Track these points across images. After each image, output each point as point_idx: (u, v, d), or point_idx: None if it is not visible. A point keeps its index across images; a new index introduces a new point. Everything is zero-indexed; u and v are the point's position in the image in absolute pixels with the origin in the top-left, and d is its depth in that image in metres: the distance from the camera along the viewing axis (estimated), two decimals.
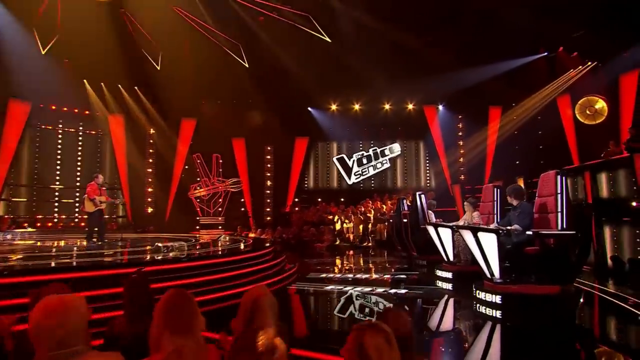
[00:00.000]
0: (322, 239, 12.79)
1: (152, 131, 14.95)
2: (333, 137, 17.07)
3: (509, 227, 5.41)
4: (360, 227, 13.21)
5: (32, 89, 11.37)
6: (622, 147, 9.30)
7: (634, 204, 7.53)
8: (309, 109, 16.52)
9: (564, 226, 5.07)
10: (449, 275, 6.82)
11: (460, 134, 16.79)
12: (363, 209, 13.75)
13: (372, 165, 17.22)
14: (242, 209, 16.66)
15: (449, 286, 6.66)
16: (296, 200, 16.90)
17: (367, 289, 6.47)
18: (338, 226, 13.83)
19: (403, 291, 6.39)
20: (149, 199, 14.61)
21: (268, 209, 16.87)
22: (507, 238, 5.40)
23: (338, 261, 10.16)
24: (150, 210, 14.54)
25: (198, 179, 15.02)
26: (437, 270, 7.07)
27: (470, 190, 14.66)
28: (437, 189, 15.85)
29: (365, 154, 17.28)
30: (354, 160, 17.24)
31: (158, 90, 13.77)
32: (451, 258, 6.96)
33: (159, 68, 13.13)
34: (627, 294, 5.96)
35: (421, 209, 8.47)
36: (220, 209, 15.17)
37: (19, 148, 12.22)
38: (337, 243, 13.60)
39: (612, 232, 7.85)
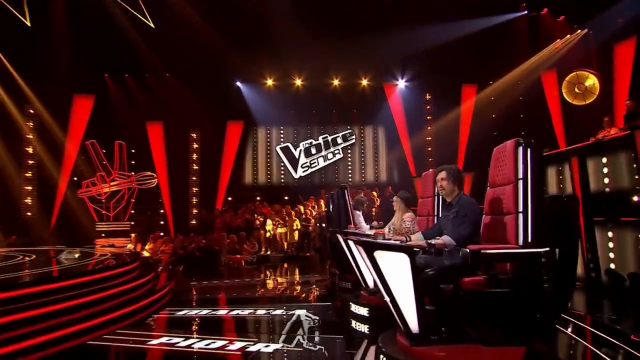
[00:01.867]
0: (241, 248, 10.53)
1: (31, 110, 12.32)
2: (274, 122, 14.82)
3: (434, 241, 3.29)
4: (296, 233, 11.00)
5: None
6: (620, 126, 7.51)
7: (635, 198, 5.52)
8: (238, 83, 14.21)
9: (529, 238, 2.96)
10: (364, 311, 4.67)
11: (428, 117, 14.80)
12: (303, 210, 11.55)
13: (322, 156, 15.06)
14: (162, 211, 14.26)
15: (364, 329, 4.51)
16: (229, 199, 14.63)
17: (219, 344, 4.20)
18: (270, 232, 11.59)
19: (278, 347, 4.15)
20: (27, 200, 11.99)
21: (195, 211, 14.52)
22: (434, 259, 3.28)
23: (233, 284, 7.86)
24: (28, 214, 11.93)
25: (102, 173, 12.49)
26: (352, 304, 4.91)
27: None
28: (400, 182, 13.80)
29: (314, 142, 15.11)
30: (300, 150, 15.05)
31: (38, 57, 11.28)
32: (370, 284, 4.82)
33: (28, 24, 10.62)
34: (628, 325, 4.16)
35: (344, 210, 6.28)
36: (128, 212, 12.71)
37: None
38: (268, 253, 11.37)
39: (607, 238, 5.87)
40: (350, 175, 15.08)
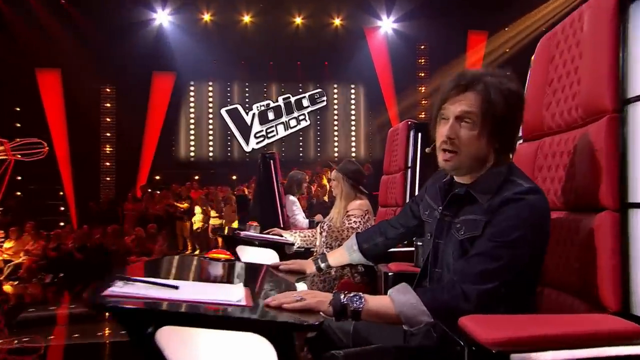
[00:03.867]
0: (151, 248, 7.64)
1: None
2: (217, 75, 11.77)
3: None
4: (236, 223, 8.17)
5: None
6: None
7: None
8: (162, 17, 11.06)
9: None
10: None
11: (421, 74, 12.04)
12: (246, 192, 8.71)
13: (282, 123, 12.15)
14: (61, 193, 11.15)
15: None
16: (157, 178, 11.65)
17: None
18: (199, 223, 8.70)
19: None
20: None
21: (108, 192, 11.49)
22: None
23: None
24: None
25: None
26: None
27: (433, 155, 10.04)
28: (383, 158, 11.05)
29: (272, 104, 12.16)
30: (254, 114, 12.11)
31: None
32: None
33: None
34: None
35: (268, 197, 3.83)
36: (0, 193, 9.57)
37: None
38: (196, 253, 8.54)
39: None
40: (319, 149, 12.24)
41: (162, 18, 11.19)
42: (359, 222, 2.80)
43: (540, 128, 1.56)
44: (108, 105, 11.58)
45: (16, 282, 6.60)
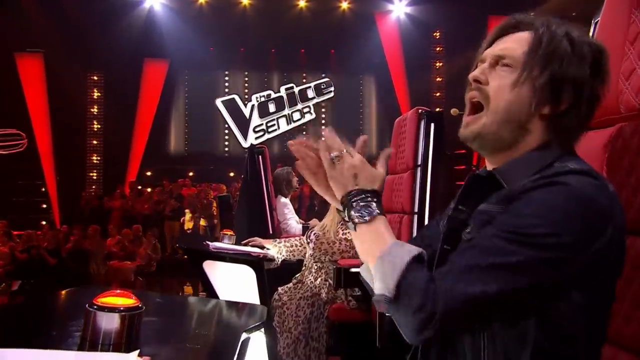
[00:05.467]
0: (133, 250, 7.23)
1: None
2: (214, 63, 11.35)
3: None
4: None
5: None
6: None
7: None
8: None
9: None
10: None
11: (437, 63, 11.57)
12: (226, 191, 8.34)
13: (284, 116, 11.73)
14: (43, 189, 10.82)
15: None
16: (148, 174, 11.30)
17: None
18: (189, 224, 8.30)
19: None
20: None
21: (94, 189, 11.16)
22: None
23: None
24: None
25: None
26: None
27: (450, 157, 9.57)
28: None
29: (274, 94, 11.74)
30: (253, 106, 11.70)
31: None
32: None
33: None
34: None
35: (257, 200, 3.45)
36: None
37: None
38: (186, 256, 8.11)
39: None
40: None
41: (153, 0, 10.80)
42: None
43: (614, 109, 1.13)
44: (95, 94, 11.23)
45: None
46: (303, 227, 4.02)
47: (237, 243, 2.63)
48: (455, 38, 10.92)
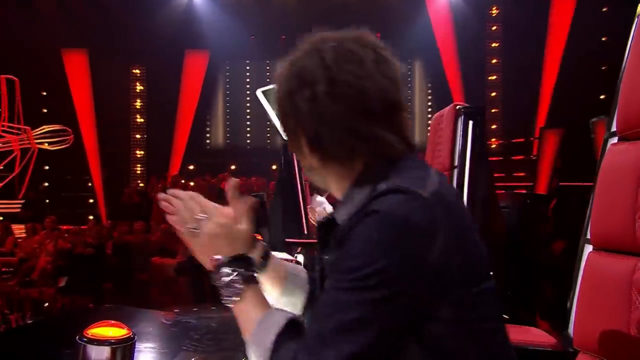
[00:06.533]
0: (176, 247, 7.32)
1: None
2: (255, 52, 11.34)
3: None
4: None
5: None
6: None
7: None
8: None
9: None
10: None
11: (493, 44, 10.99)
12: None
13: None
14: (89, 184, 11.27)
15: None
16: (190, 167, 11.52)
17: None
18: None
19: None
20: None
21: (141, 184, 11.51)
22: None
23: None
24: None
25: None
26: None
27: (507, 147, 9.12)
28: None
29: None
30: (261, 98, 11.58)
31: None
32: None
33: None
34: None
35: (292, 199, 3.53)
36: (25, 185, 9.71)
37: None
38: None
39: None
40: None
41: None
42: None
43: None
44: (138, 87, 11.52)
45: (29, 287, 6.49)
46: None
47: (272, 242, 2.49)
48: (514, 15, 10.34)
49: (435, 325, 0.77)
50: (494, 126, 10.71)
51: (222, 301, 0.85)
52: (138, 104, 11.53)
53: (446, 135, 2.36)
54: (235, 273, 0.84)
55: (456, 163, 2.26)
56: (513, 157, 8.18)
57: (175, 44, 10.85)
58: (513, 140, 9.17)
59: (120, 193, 10.61)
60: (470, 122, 2.24)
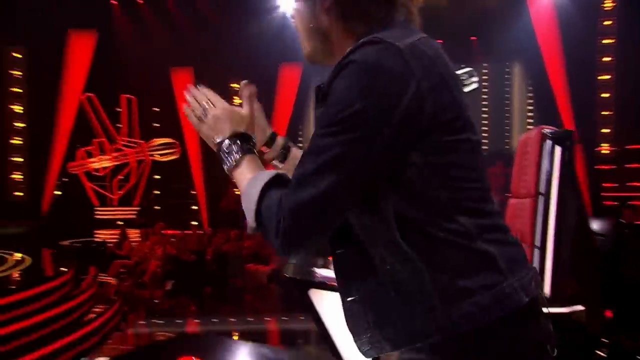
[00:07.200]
0: (265, 255, 7.65)
1: (17, 54, 10.70)
2: None
3: None
4: None
5: None
6: None
7: None
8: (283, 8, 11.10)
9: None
10: None
11: (604, 41, 10.05)
12: None
13: None
14: (193, 192, 12.18)
15: None
16: None
17: None
18: None
19: None
20: (15, 175, 10.52)
21: (237, 191, 12.18)
22: None
23: None
24: (18, 194, 10.50)
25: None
26: None
27: (618, 155, 8.30)
28: None
29: None
30: None
31: None
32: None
33: None
34: None
35: None
36: (139, 194, 10.75)
37: None
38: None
39: None
40: None
41: (286, 5, 11.35)
42: None
43: None
44: (237, 102, 12.23)
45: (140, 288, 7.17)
46: None
47: None
48: (633, 7, 9.37)
49: (409, 169, 0.83)
50: (606, 130, 9.79)
51: (225, 169, 0.96)
52: None
53: (532, 160, 2.33)
54: (238, 141, 0.95)
55: (542, 190, 2.18)
56: (627, 165, 7.43)
57: (271, 57, 11.37)
58: (627, 147, 8.30)
59: (222, 199, 11.35)
60: (558, 148, 2.17)
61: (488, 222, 0.87)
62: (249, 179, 0.90)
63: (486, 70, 10.99)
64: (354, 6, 0.91)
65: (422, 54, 0.84)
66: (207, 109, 0.99)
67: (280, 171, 0.91)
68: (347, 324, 0.94)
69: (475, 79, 10.31)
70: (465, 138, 0.86)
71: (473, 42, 10.83)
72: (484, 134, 11.01)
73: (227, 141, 0.96)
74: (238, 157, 0.94)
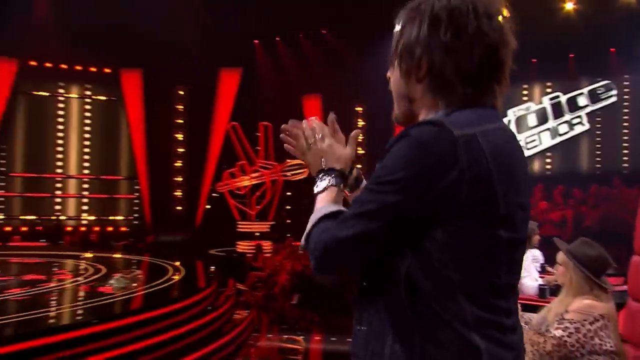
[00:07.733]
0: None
1: (180, 92, 12.89)
2: None
3: None
4: None
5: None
6: None
7: None
8: None
9: None
10: None
11: None
12: None
13: (548, 129, 10.89)
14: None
15: None
16: None
17: None
18: None
19: None
20: (177, 193, 12.61)
21: None
22: None
23: None
24: (178, 208, 12.54)
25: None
26: None
27: None
28: None
29: (535, 106, 11.06)
30: (509, 121, 11.30)
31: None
32: None
33: None
34: None
35: None
36: (273, 210, 11.95)
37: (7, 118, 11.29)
38: None
39: None
40: (598, 160, 10.39)
41: None
42: (572, 331, 2.04)
43: None
44: (360, 123, 12.97)
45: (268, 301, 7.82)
46: (540, 287, 3.68)
47: None
48: None
49: (430, 243, 0.90)
50: None
51: (313, 191, 1.08)
52: (360, 138, 12.88)
53: None
54: (333, 175, 1.08)
55: None
56: None
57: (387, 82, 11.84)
58: None
59: None
60: None
61: (490, 316, 0.90)
62: (319, 207, 1.02)
63: (627, 83, 10.16)
64: (444, 83, 0.96)
65: (477, 146, 0.88)
66: (317, 141, 1.13)
67: (343, 208, 1.01)
68: (352, 345, 1.02)
69: (612, 92, 9.96)
70: (492, 233, 0.90)
71: (611, 53, 10.13)
72: (623, 151, 10.16)
73: (327, 173, 1.09)
74: (328, 185, 1.06)
